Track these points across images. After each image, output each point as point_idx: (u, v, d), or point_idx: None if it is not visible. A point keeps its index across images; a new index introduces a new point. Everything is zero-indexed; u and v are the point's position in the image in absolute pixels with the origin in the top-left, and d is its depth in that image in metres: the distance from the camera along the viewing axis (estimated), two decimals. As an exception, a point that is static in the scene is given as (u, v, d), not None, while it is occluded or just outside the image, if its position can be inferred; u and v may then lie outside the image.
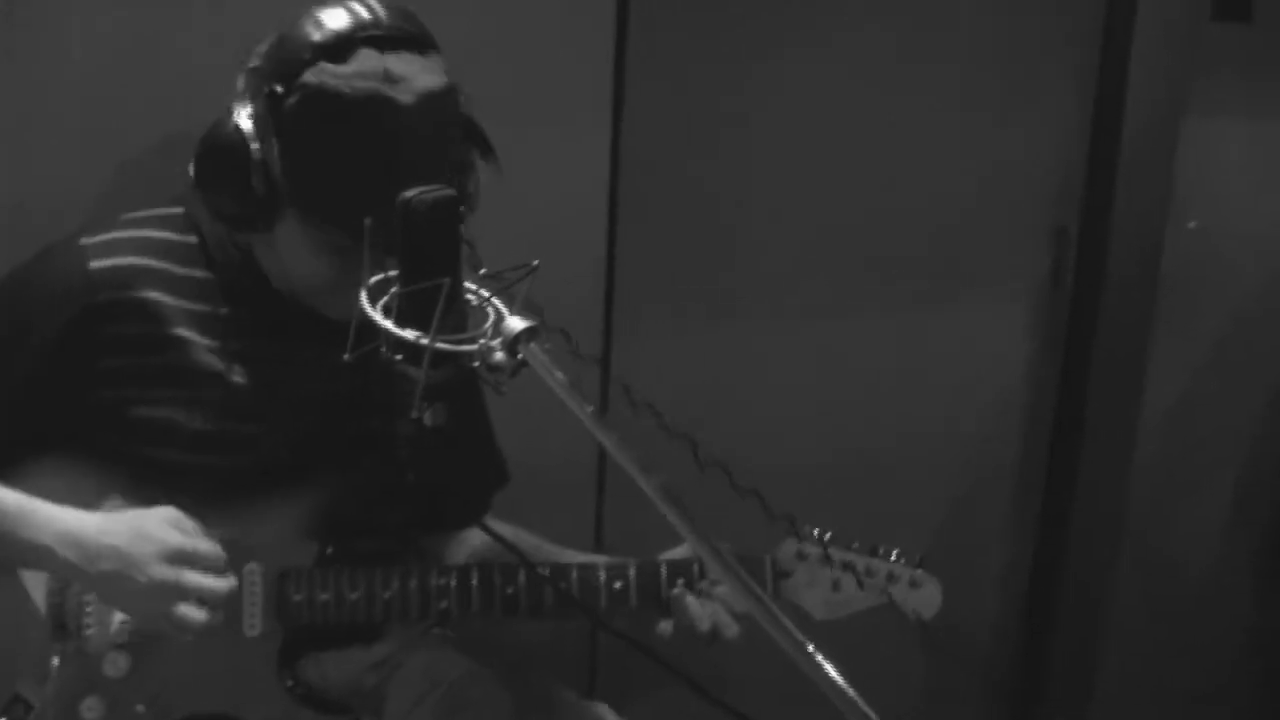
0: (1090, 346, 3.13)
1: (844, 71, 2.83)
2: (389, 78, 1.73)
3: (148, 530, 1.78)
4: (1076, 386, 3.17)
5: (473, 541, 2.16)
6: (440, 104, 1.77)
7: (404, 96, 1.73)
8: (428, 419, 1.50)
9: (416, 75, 1.75)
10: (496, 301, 1.45)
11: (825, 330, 2.94)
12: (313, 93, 1.73)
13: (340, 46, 1.74)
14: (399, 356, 1.44)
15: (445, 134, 1.81)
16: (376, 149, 1.74)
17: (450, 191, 1.46)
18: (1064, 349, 3.19)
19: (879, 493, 3.00)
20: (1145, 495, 3.31)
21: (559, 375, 1.34)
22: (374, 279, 1.47)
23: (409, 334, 1.42)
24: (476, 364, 1.40)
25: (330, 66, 1.73)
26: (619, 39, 2.52)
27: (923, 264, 3.00)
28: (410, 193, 1.44)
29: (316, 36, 1.75)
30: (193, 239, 1.92)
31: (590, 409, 1.31)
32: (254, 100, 1.78)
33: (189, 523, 1.82)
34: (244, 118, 1.77)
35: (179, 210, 1.93)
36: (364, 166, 1.74)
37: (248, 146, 1.76)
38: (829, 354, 2.96)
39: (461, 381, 1.50)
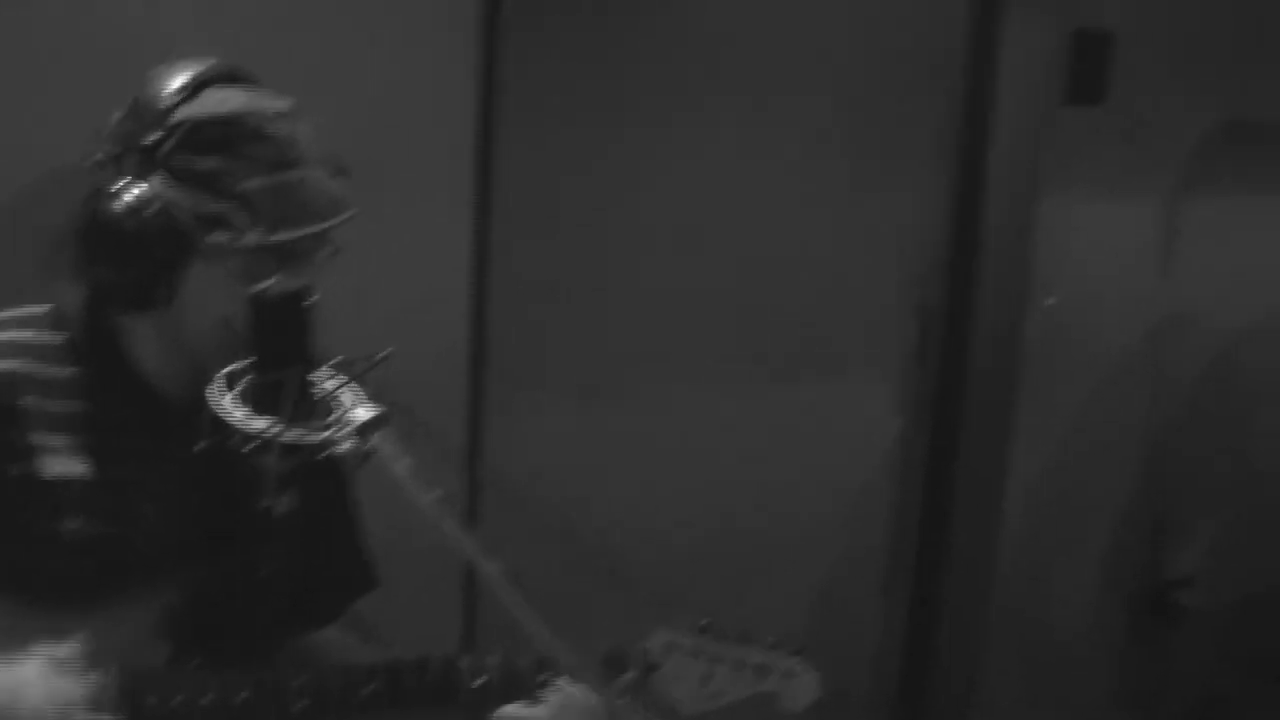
0: (957, 420, 3.20)
1: (711, 154, 2.87)
2: (250, 95, 1.83)
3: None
4: (944, 460, 3.24)
5: (339, 638, 2.14)
6: (301, 112, 1.85)
7: (271, 106, 1.82)
8: (278, 508, 1.51)
9: (265, 95, 1.85)
10: (347, 390, 1.46)
11: (697, 409, 2.96)
12: (190, 124, 1.79)
13: (193, 89, 1.83)
14: (251, 447, 1.46)
15: (319, 138, 1.87)
16: (270, 147, 1.79)
17: (301, 282, 1.48)
18: (930, 423, 3.25)
19: (753, 569, 3.01)
20: (1015, 564, 3.37)
21: (404, 463, 1.36)
22: (224, 370, 1.48)
23: (259, 424, 1.43)
24: (325, 453, 1.42)
25: (190, 104, 1.81)
26: (483, 120, 2.54)
27: (791, 343, 3.05)
28: (261, 284, 1.46)
29: (168, 88, 1.82)
30: (59, 337, 1.91)
31: (434, 496, 1.33)
32: (124, 167, 1.80)
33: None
34: (121, 186, 1.79)
35: (41, 309, 1.92)
36: (268, 166, 1.78)
37: (138, 209, 1.77)
38: (701, 433, 2.97)
39: (327, 478, 1.52)
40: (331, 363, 1.51)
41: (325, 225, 1.82)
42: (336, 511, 2.14)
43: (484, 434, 2.63)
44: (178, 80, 1.83)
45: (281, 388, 1.44)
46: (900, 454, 3.26)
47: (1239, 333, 3.62)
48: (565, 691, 1.89)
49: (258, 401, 1.46)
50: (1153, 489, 3.60)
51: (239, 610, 1.97)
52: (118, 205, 1.78)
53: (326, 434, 1.41)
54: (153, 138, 1.80)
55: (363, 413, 1.41)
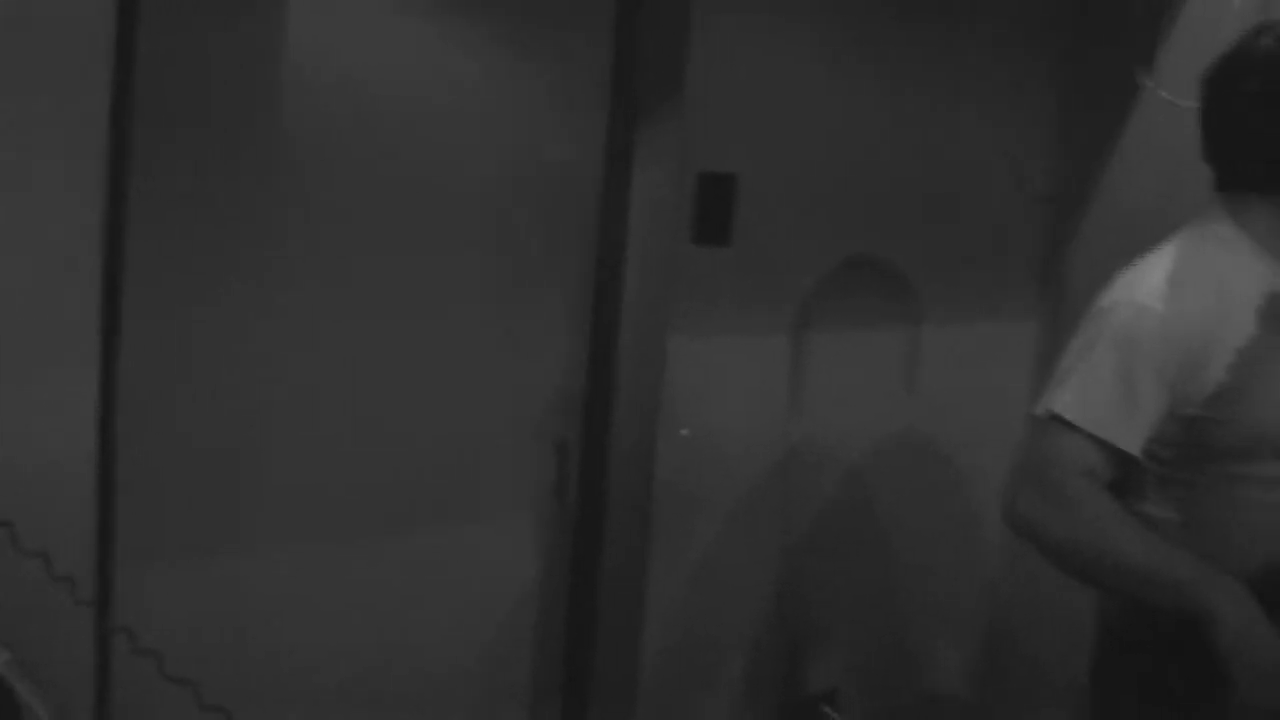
0: (597, 552, 3.27)
1: (343, 294, 2.87)
2: None
3: None
4: (585, 591, 3.30)
5: None
6: None
7: None
8: None
9: None
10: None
11: (334, 553, 2.93)
12: None
13: None
14: None
15: None
16: None
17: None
18: (570, 555, 3.31)
19: (398, 716, 3.00)
20: (657, 692, 3.45)
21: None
22: None
23: None
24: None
25: None
26: (109, 276, 2.47)
27: (429, 480, 3.05)
28: None
29: None
30: None
31: (5, 658, 1.32)
32: None
33: None
34: None
35: None
36: None
37: None
38: (338, 578, 2.94)
39: None
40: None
41: None
42: None
43: (114, 596, 2.53)
44: None
45: None
46: (541, 587, 3.30)
47: (863, 457, 3.83)
48: None
49: None
50: (788, 608, 3.74)
51: None
52: None
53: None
54: None
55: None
